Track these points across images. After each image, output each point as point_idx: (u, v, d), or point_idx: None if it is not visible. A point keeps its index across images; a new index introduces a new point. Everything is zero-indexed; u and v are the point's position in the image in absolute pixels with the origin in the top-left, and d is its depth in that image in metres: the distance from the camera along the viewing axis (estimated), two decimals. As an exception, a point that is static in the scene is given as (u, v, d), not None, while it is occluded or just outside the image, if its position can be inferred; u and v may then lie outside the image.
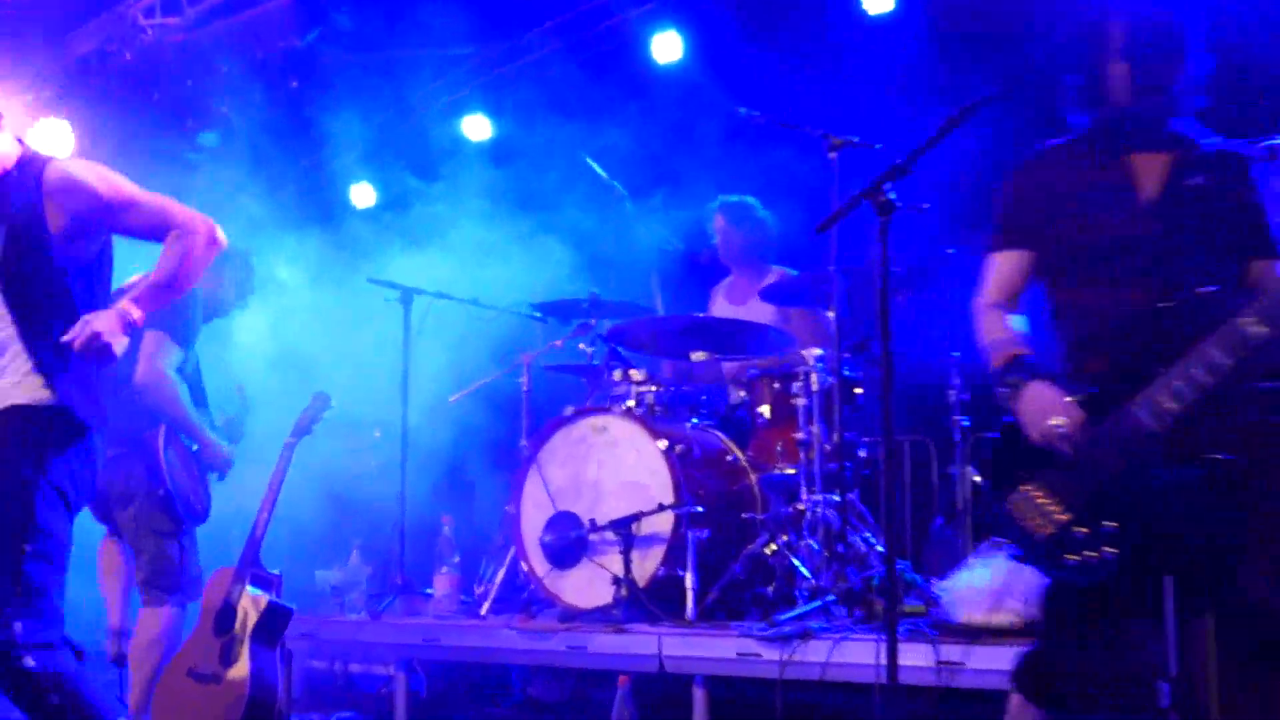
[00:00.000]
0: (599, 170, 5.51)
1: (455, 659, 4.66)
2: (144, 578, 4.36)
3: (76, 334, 2.95)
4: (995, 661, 3.32)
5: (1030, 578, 3.53)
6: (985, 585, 3.67)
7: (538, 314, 5.40)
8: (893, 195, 2.83)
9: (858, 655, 3.64)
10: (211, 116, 7.23)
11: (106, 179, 3.14)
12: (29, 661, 2.90)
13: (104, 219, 3.14)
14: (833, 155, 4.36)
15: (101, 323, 2.96)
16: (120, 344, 3.01)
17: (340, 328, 5.62)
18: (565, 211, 5.83)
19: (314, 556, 5.33)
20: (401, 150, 7.17)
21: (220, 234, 3.22)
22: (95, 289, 3.20)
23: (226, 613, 4.29)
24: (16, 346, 3.02)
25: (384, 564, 5.24)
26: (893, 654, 2.71)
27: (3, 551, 2.93)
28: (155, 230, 3.20)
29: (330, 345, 5.54)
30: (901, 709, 3.33)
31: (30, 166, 3.12)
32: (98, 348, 2.96)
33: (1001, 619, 3.59)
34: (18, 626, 2.90)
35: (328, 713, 4.94)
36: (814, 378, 4.57)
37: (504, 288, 5.53)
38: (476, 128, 7.05)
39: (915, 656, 3.53)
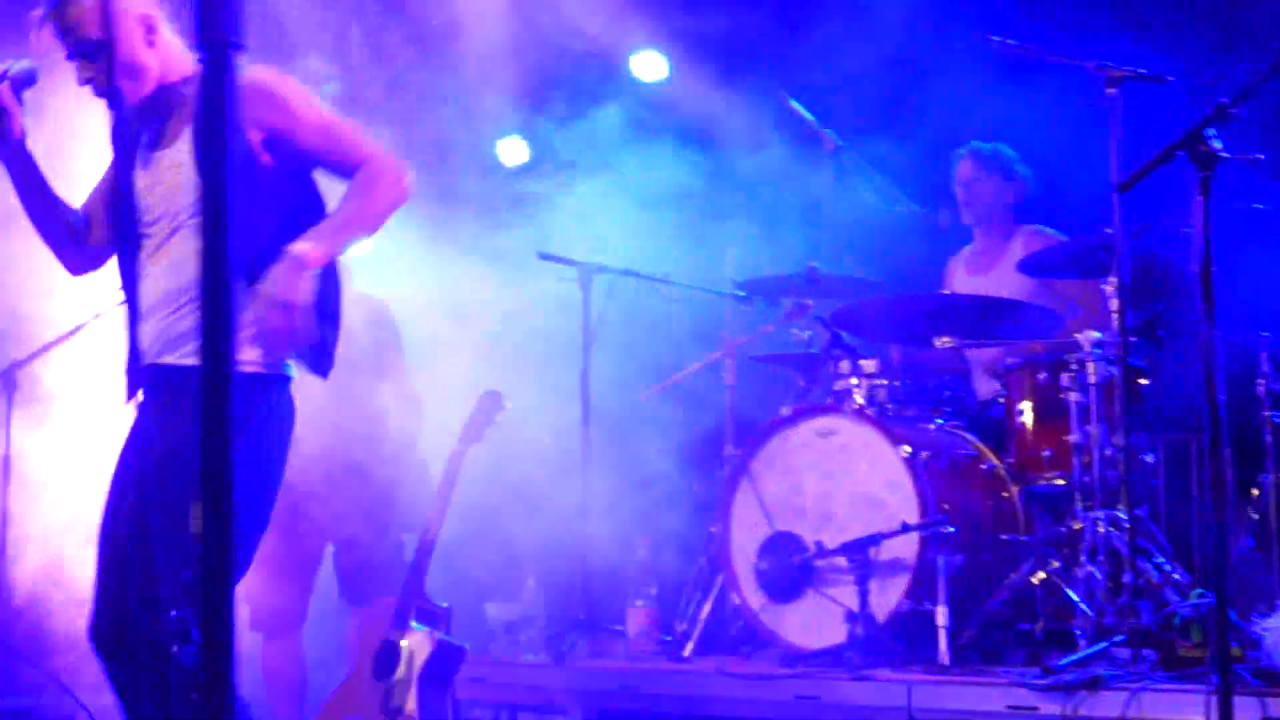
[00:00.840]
0: (805, 114, 5.57)
1: (654, 710, 4.75)
2: None
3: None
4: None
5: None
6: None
7: (742, 293, 5.48)
8: (1218, 144, 2.86)
9: (1163, 710, 3.67)
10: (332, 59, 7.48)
11: (302, 92, 3.42)
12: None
13: (296, 138, 3.38)
14: (1111, 91, 4.36)
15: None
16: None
17: (503, 314, 5.77)
18: (766, 167, 5.87)
19: (481, 587, 5.50)
20: (558, 95, 7.29)
21: (411, 181, 3.41)
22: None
23: (388, 653, 4.50)
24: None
25: (565, 596, 5.37)
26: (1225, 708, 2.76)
27: (179, 546, 3.18)
28: (346, 161, 3.42)
29: (492, 335, 5.69)
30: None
31: None
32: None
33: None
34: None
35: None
36: (1091, 367, 4.57)
37: (699, 263, 5.59)
38: (649, 65, 7.11)
39: (1238, 712, 3.54)
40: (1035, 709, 3.86)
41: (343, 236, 3.35)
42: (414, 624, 4.51)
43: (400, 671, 4.48)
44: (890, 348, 5.70)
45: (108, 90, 3.45)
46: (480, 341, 5.61)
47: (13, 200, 3.59)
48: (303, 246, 3.20)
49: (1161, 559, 4.50)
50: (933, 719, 4.04)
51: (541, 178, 6.93)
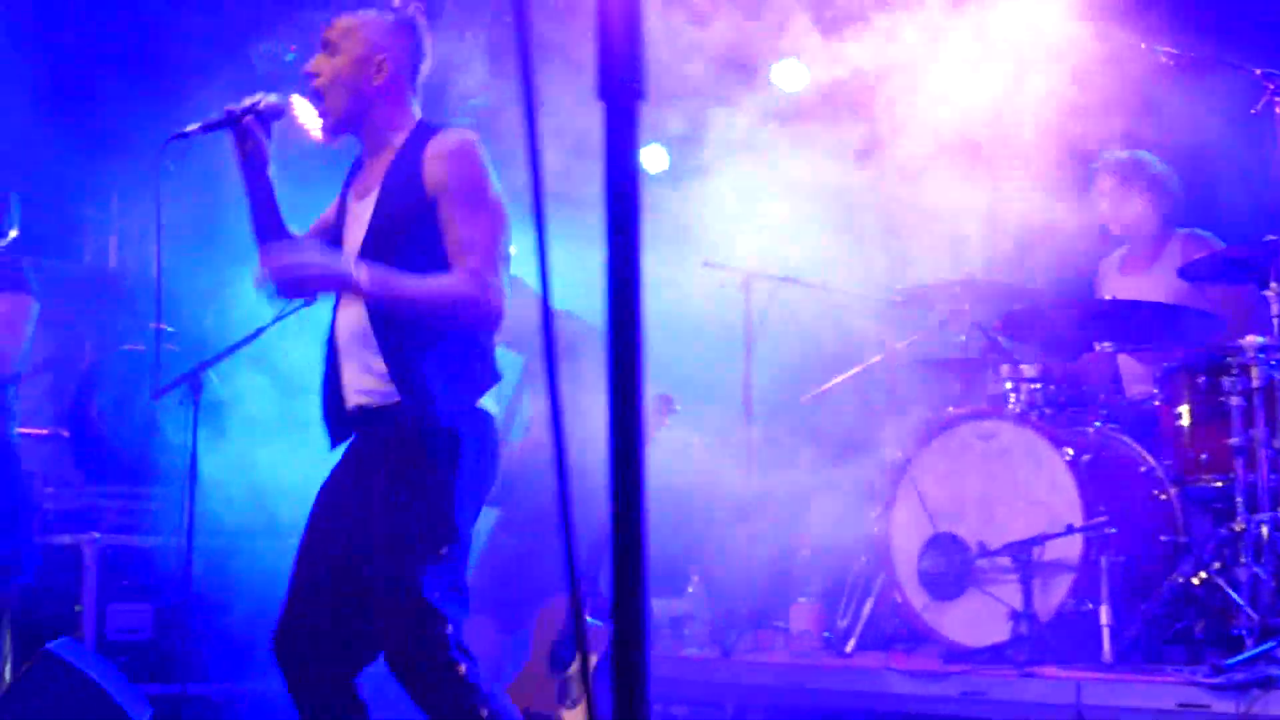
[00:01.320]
0: None
1: (818, 704, 4.81)
2: None
3: None
4: None
5: None
6: None
7: (899, 299, 5.55)
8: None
9: None
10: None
11: (479, 171, 3.48)
12: (460, 667, 3.27)
13: (439, 203, 3.44)
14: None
15: None
16: None
17: (663, 319, 5.83)
18: (920, 172, 5.90)
19: (654, 584, 5.58)
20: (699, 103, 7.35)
21: (485, 316, 3.44)
22: None
23: (563, 645, 4.61)
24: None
25: (729, 593, 5.45)
26: None
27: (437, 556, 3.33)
28: (453, 253, 3.43)
29: (655, 340, 5.76)
30: None
31: (422, 131, 3.54)
32: None
33: None
34: (449, 628, 3.28)
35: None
36: (1254, 371, 4.60)
37: (859, 269, 5.66)
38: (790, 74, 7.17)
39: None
40: (1207, 706, 3.88)
41: (397, 294, 3.38)
42: (589, 617, 4.62)
43: (575, 664, 4.60)
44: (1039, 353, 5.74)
45: (334, 128, 3.63)
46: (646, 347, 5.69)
47: (237, 221, 3.78)
48: (367, 273, 3.30)
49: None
50: (1102, 716, 4.06)
51: (683, 183, 7.01)
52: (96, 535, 6.76)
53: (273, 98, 3.56)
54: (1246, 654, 4.11)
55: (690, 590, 5.45)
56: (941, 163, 5.76)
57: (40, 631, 6.20)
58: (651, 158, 8.07)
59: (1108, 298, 5.51)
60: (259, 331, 5.70)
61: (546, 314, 1.63)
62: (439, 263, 3.43)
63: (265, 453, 6.43)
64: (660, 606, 5.44)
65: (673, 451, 5.53)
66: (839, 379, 5.66)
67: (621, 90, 1.51)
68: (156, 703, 5.79)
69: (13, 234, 4.95)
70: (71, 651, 5.68)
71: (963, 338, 5.30)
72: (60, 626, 6.47)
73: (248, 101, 3.56)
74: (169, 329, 7.13)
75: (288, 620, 3.52)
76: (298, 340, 5.76)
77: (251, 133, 3.55)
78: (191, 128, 3.59)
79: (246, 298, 5.88)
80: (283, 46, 7.28)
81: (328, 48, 3.59)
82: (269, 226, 3.67)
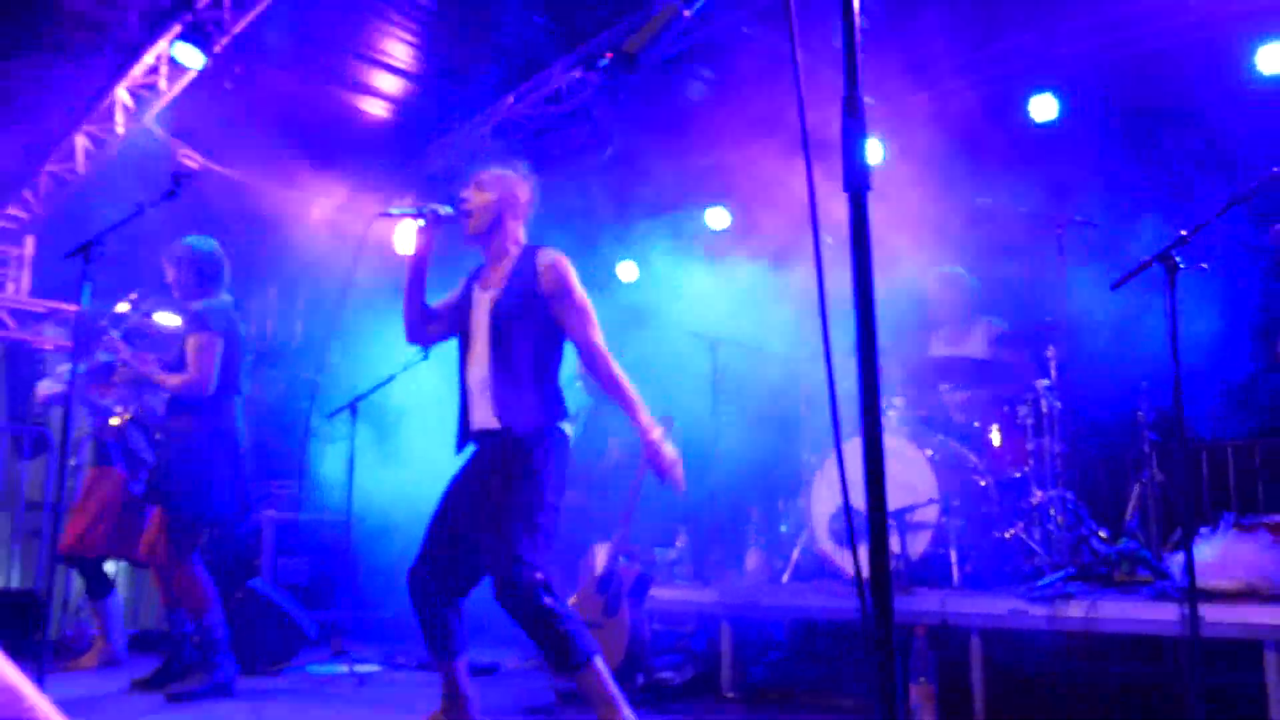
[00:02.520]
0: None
1: (767, 615, 4.81)
2: None
3: None
4: (1227, 617, 3.48)
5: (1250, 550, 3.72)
6: (1212, 557, 3.80)
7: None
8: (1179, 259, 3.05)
9: (1112, 612, 3.75)
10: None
11: (570, 276, 3.56)
12: (548, 600, 3.29)
13: (559, 305, 3.53)
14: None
15: None
16: None
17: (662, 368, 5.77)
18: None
19: (653, 537, 5.57)
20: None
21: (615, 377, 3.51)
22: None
23: (606, 578, 4.64)
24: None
25: (705, 544, 5.46)
26: (1193, 611, 2.90)
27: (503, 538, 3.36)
28: (582, 340, 3.52)
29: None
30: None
31: (530, 248, 3.60)
32: None
33: (1227, 584, 3.73)
34: (540, 574, 3.30)
35: (661, 655, 5.18)
36: (1043, 402, 4.78)
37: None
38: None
39: (1165, 613, 3.67)
40: (1027, 611, 3.94)
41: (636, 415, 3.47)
42: (623, 559, 4.66)
43: (614, 589, 4.62)
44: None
45: (477, 240, 3.68)
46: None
47: (389, 294, 3.76)
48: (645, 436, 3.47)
49: (1092, 523, 4.70)
50: (959, 619, 4.06)
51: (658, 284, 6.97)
52: (273, 513, 6.70)
53: (447, 208, 3.60)
54: (1047, 579, 4.23)
55: (679, 543, 5.46)
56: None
57: (238, 574, 6.11)
58: (626, 271, 8.16)
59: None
60: (391, 378, 5.71)
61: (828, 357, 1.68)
62: (546, 334, 3.53)
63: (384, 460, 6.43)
64: (660, 555, 5.45)
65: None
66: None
67: (859, 186, 1.59)
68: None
69: (225, 297, 4.89)
70: (263, 587, 5.61)
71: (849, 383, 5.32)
72: (250, 572, 6.39)
73: (430, 205, 3.60)
74: (317, 377, 7.12)
75: (421, 560, 3.55)
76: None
77: (431, 225, 3.59)
78: (394, 211, 3.62)
79: (374, 354, 5.90)
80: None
81: (480, 185, 3.66)
82: (416, 300, 3.67)
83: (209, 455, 4.63)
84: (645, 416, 3.46)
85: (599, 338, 3.52)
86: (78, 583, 6.42)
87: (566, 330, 3.53)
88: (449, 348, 5.00)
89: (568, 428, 3.60)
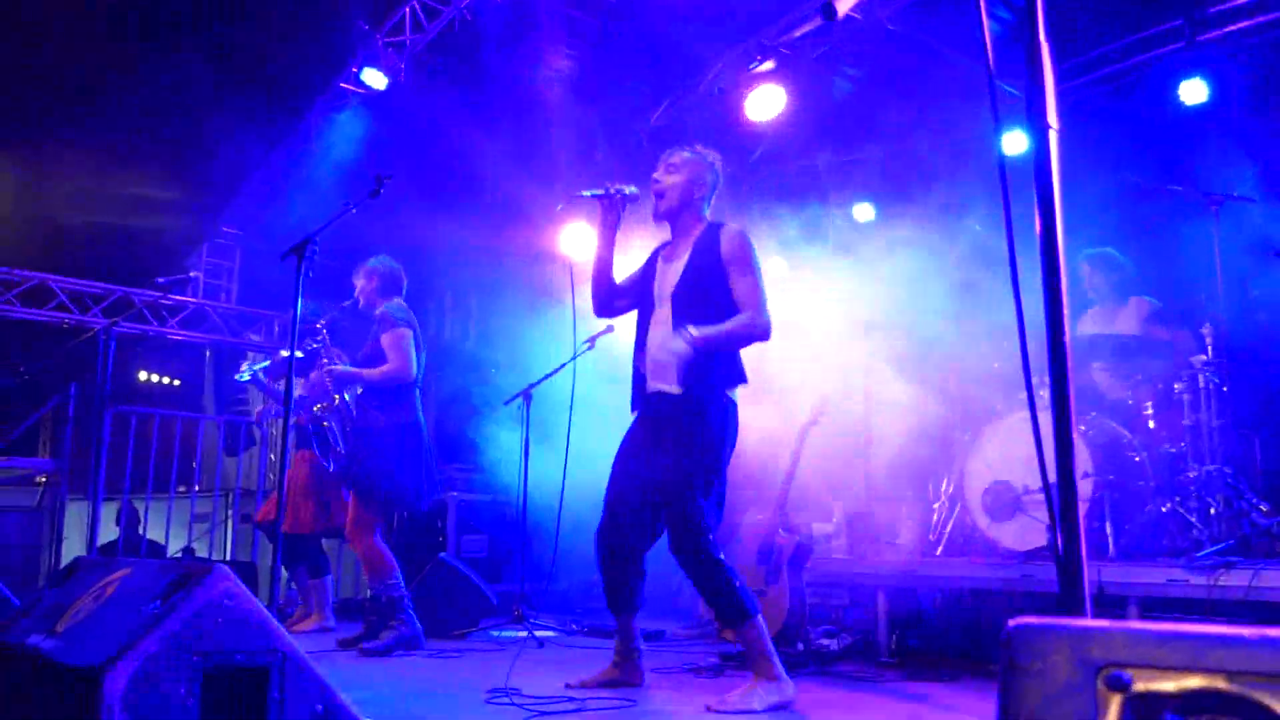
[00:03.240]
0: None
1: (922, 586, 4.81)
2: None
3: None
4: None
5: None
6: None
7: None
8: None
9: (1276, 580, 3.63)
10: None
11: (751, 249, 3.65)
12: (721, 556, 3.41)
13: (736, 271, 3.64)
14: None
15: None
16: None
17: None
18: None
19: (810, 512, 5.60)
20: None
21: (766, 334, 3.60)
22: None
23: (766, 548, 4.73)
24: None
25: (859, 518, 5.48)
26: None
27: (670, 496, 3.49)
28: (743, 301, 3.61)
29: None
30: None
31: (714, 225, 3.75)
32: None
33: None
34: (713, 534, 3.42)
35: (818, 625, 5.23)
36: (1200, 377, 4.62)
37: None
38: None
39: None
40: (1187, 580, 3.85)
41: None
42: (782, 531, 4.73)
43: (775, 559, 4.70)
44: None
45: (664, 216, 3.82)
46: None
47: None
48: (697, 332, 3.47)
49: (1252, 497, 4.52)
50: (1116, 587, 3.99)
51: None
52: (455, 494, 7.02)
53: (633, 189, 3.74)
54: (1206, 550, 4.10)
55: (835, 518, 5.48)
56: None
57: (427, 549, 6.40)
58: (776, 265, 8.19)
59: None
60: (562, 366, 5.90)
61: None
62: (726, 302, 3.62)
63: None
64: (817, 529, 5.48)
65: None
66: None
67: (1043, 125, 1.60)
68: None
69: (401, 302, 5.21)
70: (450, 559, 5.89)
71: (997, 364, 5.24)
72: (437, 548, 6.71)
73: (616, 186, 3.74)
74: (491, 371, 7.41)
75: (606, 519, 3.71)
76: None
77: (616, 206, 3.74)
78: (585, 193, 3.77)
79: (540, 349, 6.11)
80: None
81: (670, 168, 3.79)
82: (603, 272, 3.84)
83: (396, 444, 4.96)
84: (708, 334, 3.48)
85: (763, 303, 3.60)
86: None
87: (738, 295, 3.61)
88: (610, 341, 5.17)
89: (737, 396, 3.69)
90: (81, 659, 2.12)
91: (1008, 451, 4.84)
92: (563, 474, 6.68)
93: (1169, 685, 0.79)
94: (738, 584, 3.44)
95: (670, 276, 3.74)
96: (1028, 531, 4.66)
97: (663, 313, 3.71)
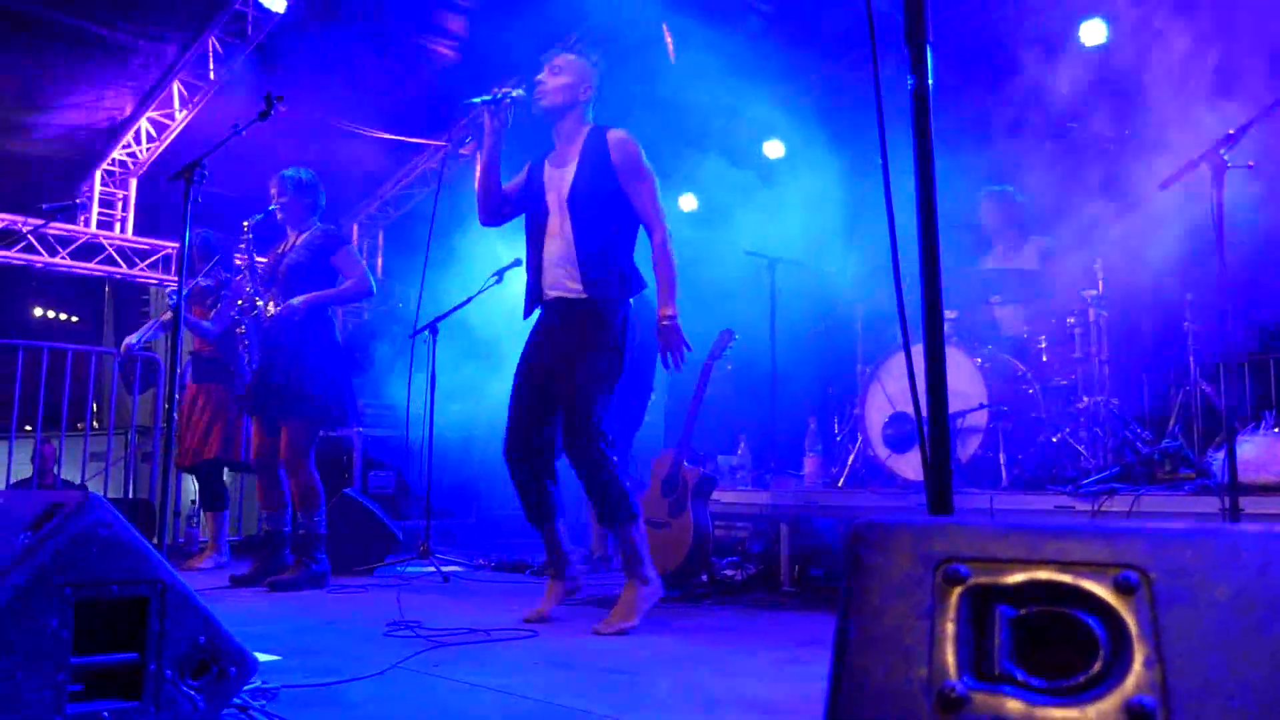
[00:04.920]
0: None
1: (823, 517, 4.89)
2: None
3: None
4: (1266, 508, 3.50)
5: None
6: (1254, 455, 3.80)
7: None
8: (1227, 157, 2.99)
9: (1155, 505, 3.78)
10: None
11: (641, 154, 3.68)
12: (612, 456, 3.56)
13: (628, 177, 3.65)
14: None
15: None
16: None
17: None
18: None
19: (716, 445, 5.69)
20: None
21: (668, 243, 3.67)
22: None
23: (671, 480, 4.75)
24: None
25: (763, 451, 5.55)
26: (1234, 503, 2.92)
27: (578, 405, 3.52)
28: (644, 212, 3.67)
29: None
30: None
31: (598, 128, 3.74)
32: None
33: (1268, 479, 3.74)
34: (609, 435, 3.52)
35: (723, 556, 5.31)
36: (1091, 311, 4.75)
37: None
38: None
39: (1206, 505, 3.68)
40: (1072, 507, 3.98)
41: (666, 277, 3.65)
42: (686, 463, 4.76)
43: (679, 491, 4.72)
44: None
45: (550, 117, 3.77)
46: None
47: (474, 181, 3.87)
48: (665, 311, 3.60)
49: (1136, 427, 4.69)
50: (1008, 515, 4.08)
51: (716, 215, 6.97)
52: (361, 429, 6.92)
53: (520, 91, 3.69)
54: (1092, 478, 4.24)
55: (740, 450, 5.54)
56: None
57: (332, 484, 6.31)
58: (686, 202, 8.20)
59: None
60: (469, 299, 5.85)
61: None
62: (622, 208, 3.66)
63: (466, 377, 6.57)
64: (724, 460, 5.54)
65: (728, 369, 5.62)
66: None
67: (919, 42, 1.58)
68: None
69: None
70: (356, 494, 5.82)
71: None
72: (343, 482, 6.62)
73: (503, 90, 3.68)
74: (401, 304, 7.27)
75: (511, 430, 3.74)
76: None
77: (504, 110, 3.69)
78: (475, 100, 3.71)
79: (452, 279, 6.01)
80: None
81: (554, 69, 3.74)
82: (490, 182, 3.81)
83: (323, 364, 4.85)
84: (669, 299, 3.60)
85: (662, 211, 3.68)
86: (188, 495, 6.72)
87: (633, 199, 3.66)
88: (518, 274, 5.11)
89: (629, 301, 3.74)
90: (-54, 591, 2.03)
91: (906, 384, 4.91)
92: (470, 410, 6.65)
93: (1005, 578, 0.81)
94: (625, 484, 3.55)
95: (561, 185, 3.73)
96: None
97: (555, 221, 3.70)
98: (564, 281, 3.65)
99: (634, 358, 3.89)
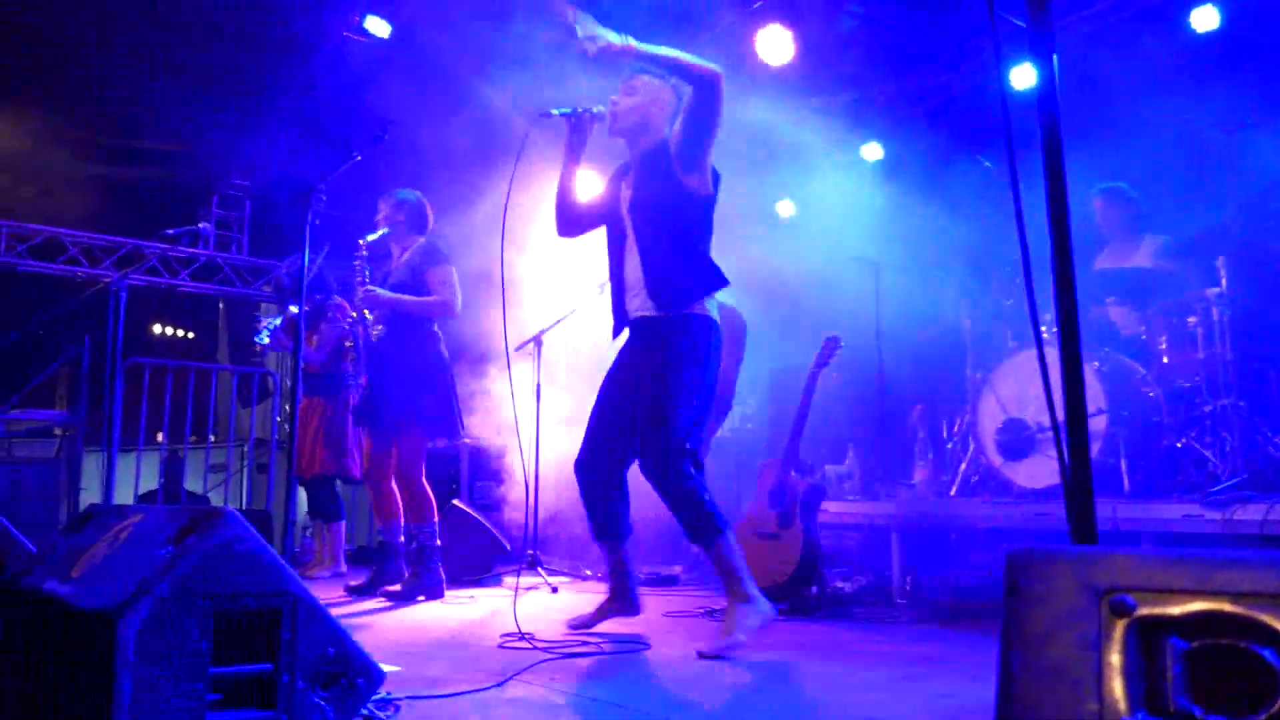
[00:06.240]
0: None
1: (935, 526, 4.78)
2: None
3: None
4: None
5: None
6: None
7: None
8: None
9: None
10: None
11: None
12: (693, 472, 3.46)
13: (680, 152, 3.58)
14: None
15: None
16: None
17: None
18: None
19: (824, 454, 5.61)
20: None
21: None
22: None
23: (779, 491, 4.71)
24: None
25: (872, 460, 5.47)
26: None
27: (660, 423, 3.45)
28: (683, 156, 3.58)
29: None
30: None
31: (664, 142, 3.73)
32: None
33: None
34: (690, 448, 3.46)
35: (833, 567, 5.25)
36: (1214, 310, 4.57)
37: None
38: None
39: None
40: (1201, 515, 3.85)
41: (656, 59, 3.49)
42: (794, 473, 4.72)
43: (788, 502, 4.67)
44: None
45: (622, 136, 3.77)
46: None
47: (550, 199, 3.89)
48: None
49: (1265, 429, 4.49)
50: (1131, 525, 3.97)
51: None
52: (467, 439, 7.04)
53: (600, 107, 3.71)
54: (1222, 485, 4.08)
55: (848, 459, 5.47)
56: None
57: (441, 494, 6.41)
58: (784, 208, 8.14)
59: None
60: (571, 312, 5.91)
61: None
62: (686, 211, 3.59)
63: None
64: (831, 470, 5.47)
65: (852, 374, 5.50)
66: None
67: (1047, 51, 1.55)
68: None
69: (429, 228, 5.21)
70: (464, 505, 5.93)
71: (1010, 301, 5.21)
72: (451, 493, 6.75)
73: (585, 105, 3.70)
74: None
75: (586, 448, 3.72)
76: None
77: (584, 125, 3.70)
78: (554, 112, 3.73)
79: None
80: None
81: (628, 90, 3.74)
82: (568, 192, 3.84)
83: (431, 379, 4.97)
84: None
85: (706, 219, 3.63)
86: (302, 506, 6.93)
87: (686, 142, 3.55)
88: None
89: (713, 308, 3.63)
90: (96, 603, 2.13)
91: (1020, 389, 4.82)
92: (574, 419, 6.69)
93: (1174, 609, 0.78)
94: (706, 498, 3.43)
95: (628, 200, 3.72)
96: (1042, 469, 4.65)
97: (630, 237, 3.69)
98: (641, 299, 3.62)
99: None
